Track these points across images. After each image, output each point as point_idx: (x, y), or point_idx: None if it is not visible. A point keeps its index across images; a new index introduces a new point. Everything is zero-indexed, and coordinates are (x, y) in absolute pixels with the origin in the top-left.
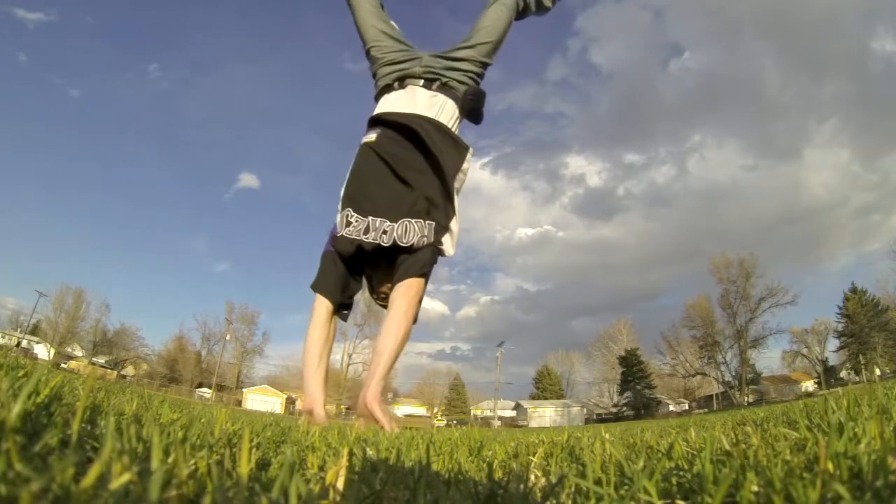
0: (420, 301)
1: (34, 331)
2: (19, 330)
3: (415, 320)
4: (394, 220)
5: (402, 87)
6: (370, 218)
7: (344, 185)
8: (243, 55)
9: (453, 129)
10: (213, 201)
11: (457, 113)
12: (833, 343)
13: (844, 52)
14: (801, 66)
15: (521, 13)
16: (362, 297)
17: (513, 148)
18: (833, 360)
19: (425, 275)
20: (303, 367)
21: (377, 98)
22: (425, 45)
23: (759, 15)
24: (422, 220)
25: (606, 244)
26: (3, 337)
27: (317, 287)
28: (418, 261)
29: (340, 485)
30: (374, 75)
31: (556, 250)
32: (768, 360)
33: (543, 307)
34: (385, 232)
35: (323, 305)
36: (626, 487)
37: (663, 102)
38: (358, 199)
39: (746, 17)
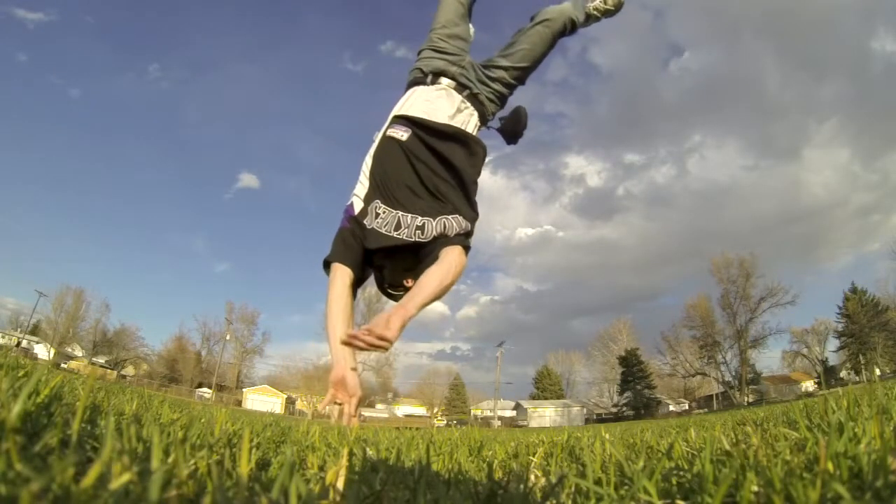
0: (462, 269)
1: (34, 331)
2: (19, 330)
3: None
4: (429, 216)
5: (434, 82)
6: (400, 213)
7: (369, 169)
8: (243, 55)
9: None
10: (213, 201)
11: (478, 128)
12: (833, 343)
13: (844, 52)
14: (801, 66)
15: (564, 34)
16: (362, 297)
17: (513, 148)
18: (833, 360)
19: (468, 248)
20: (328, 334)
21: (408, 87)
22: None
23: (759, 15)
24: (459, 217)
25: (606, 244)
26: (3, 337)
27: (335, 258)
28: (462, 236)
29: (340, 485)
30: (418, 57)
31: (556, 250)
32: (768, 360)
33: (543, 307)
34: (419, 228)
35: (345, 273)
36: (626, 487)
37: (663, 102)
38: (385, 191)
39: (746, 17)
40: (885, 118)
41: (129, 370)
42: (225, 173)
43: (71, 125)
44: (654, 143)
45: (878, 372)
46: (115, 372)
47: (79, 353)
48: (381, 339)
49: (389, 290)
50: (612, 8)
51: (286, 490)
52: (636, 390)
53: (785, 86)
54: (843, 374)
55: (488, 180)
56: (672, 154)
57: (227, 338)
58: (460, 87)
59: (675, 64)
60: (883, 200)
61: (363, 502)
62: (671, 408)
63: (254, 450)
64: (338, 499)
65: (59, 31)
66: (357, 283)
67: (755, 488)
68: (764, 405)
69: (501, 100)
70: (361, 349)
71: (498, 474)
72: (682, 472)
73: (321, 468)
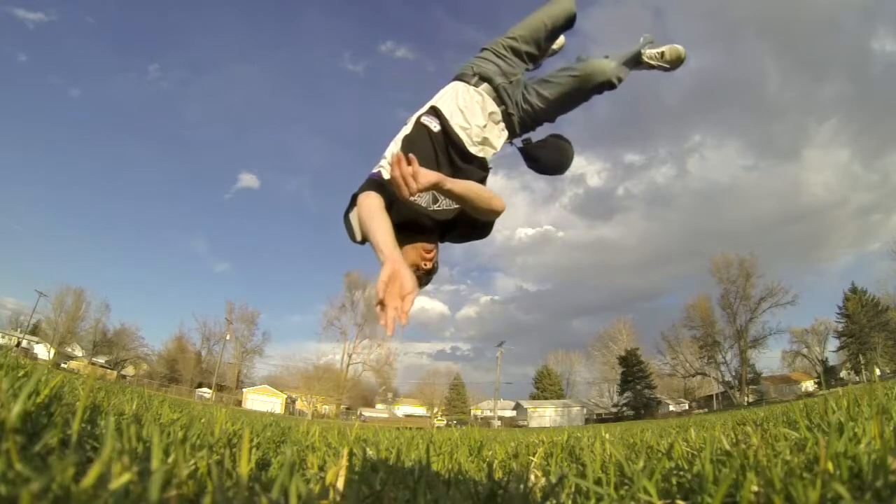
0: (500, 208)
1: (34, 331)
2: (19, 330)
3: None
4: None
5: (477, 85)
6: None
7: (398, 149)
8: (243, 55)
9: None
10: (213, 201)
11: (504, 144)
12: (833, 343)
13: (844, 52)
14: (801, 66)
15: (601, 92)
16: (363, 297)
17: (512, 148)
18: (833, 360)
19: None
20: (370, 232)
21: (454, 78)
22: (426, 46)
23: (758, 15)
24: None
25: (606, 244)
26: (3, 337)
27: (367, 188)
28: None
29: (340, 485)
30: (478, 54)
31: (556, 250)
32: (768, 360)
33: (543, 307)
34: (446, 202)
35: (379, 197)
36: (626, 487)
37: (663, 102)
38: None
39: (746, 17)
40: (885, 118)
41: (129, 370)
42: (225, 173)
43: (71, 125)
44: (654, 143)
45: (878, 372)
46: (115, 372)
47: (79, 353)
48: (415, 178)
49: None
50: (668, 65)
51: (286, 490)
52: (636, 390)
53: (785, 86)
54: (843, 374)
55: (488, 180)
56: (672, 154)
57: (227, 338)
58: (499, 101)
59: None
60: (883, 200)
61: (363, 502)
62: (671, 408)
63: (254, 450)
64: (338, 499)
65: (59, 31)
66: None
67: (755, 488)
68: (764, 405)
69: (530, 128)
70: (398, 180)
71: (498, 474)
72: (682, 472)
73: (321, 468)
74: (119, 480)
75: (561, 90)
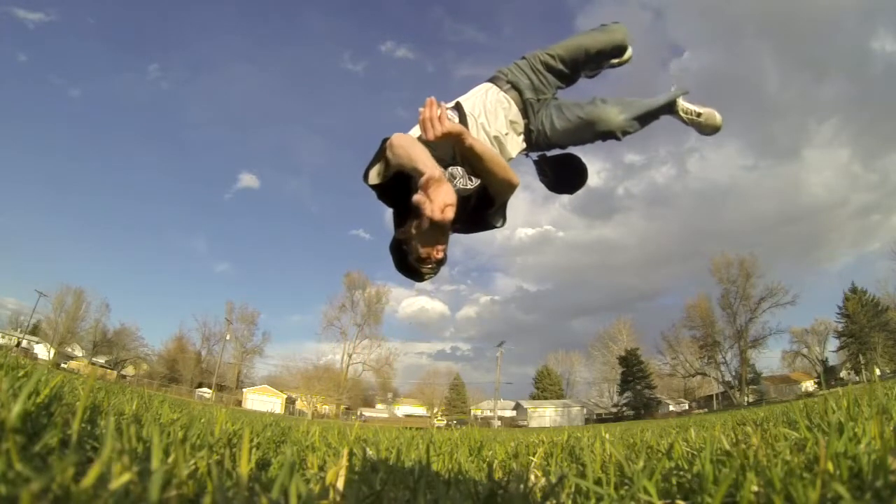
0: (513, 182)
1: (34, 331)
2: (19, 330)
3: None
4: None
5: (507, 92)
6: (451, 167)
7: (418, 131)
8: (243, 55)
9: None
10: (213, 201)
11: (520, 153)
12: (833, 343)
13: (844, 52)
14: (801, 66)
15: (606, 140)
16: (363, 297)
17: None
18: (833, 360)
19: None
20: (410, 153)
21: (489, 79)
22: (426, 46)
23: (759, 15)
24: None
25: (606, 244)
26: (3, 337)
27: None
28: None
29: (340, 485)
30: (520, 60)
31: (556, 250)
32: (768, 360)
33: (543, 307)
34: (472, 180)
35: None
36: (626, 487)
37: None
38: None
39: (746, 16)
40: (885, 118)
41: (129, 370)
42: (225, 173)
43: (71, 125)
44: (654, 143)
45: (878, 372)
46: (115, 372)
47: (79, 353)
48: (440, 121)
49: (416, 262)
50: (702, 130)
51: (286, 490)
52: (636, 390)
53: (785, 86)
54: (843, 374)
55: None
56: (672, 154)
57: (227, 338)
58: (523, 114)
59: (676, 64)
60: (883, 200)
61: (363, 502)
62: (671, 408)
63: (254, 450)
64: (338, 499)
65: (59, 31)
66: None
67: (755, 488)
68: (764, 405)
69: (544, 149)
70: (426, 121)
71: (498, 474)
72: (682, 472)
73: (321, 468)
74: (119, 480)
75: (568, 126)
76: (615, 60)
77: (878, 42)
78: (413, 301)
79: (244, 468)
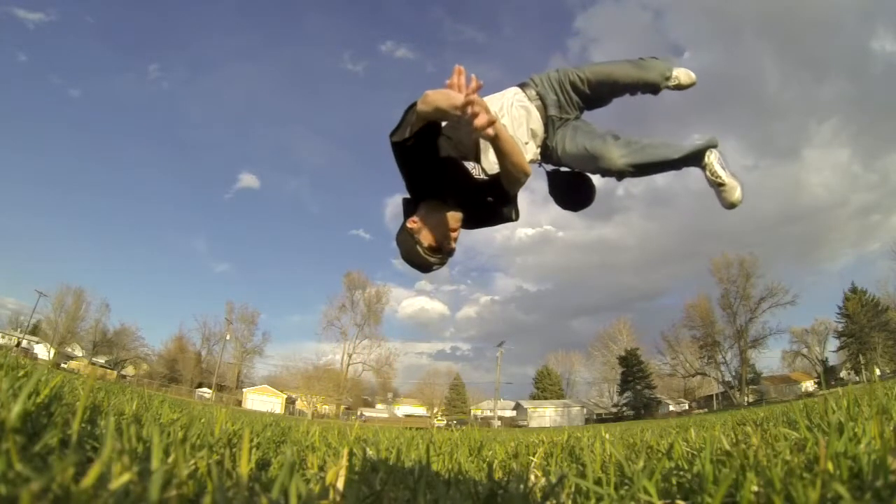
0: (525, 169)
1: (34, 331)
2: (19, 330)
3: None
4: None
5: (532, 101)
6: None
7: (443, 125)
8: (243, 55)
9: None
10: (213, 201)
11: (533, 161)
12: (833, 343)
13: (844, 52)
14: (801, 66)
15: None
16: (363, 298)
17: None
18: (833, 360)
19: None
20: (447, 94)
21: (519, 85)
22: (426, 46)
23: (759, 15)
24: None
25: (606, 244)
26: (3, 337)
27: None
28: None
29: (340, 485)
30: (552, 72)
31: (556, 250)
32: (768, 360)
33: (543, 307)
34: (485, 174)
35: None
36: (626, 487)
37: (663, 102)
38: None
39: (746, 16)
40: (885, 118)
41: (129, 370)
42: (225, 173)
43: (71, 125)
44: None
45: (878, 372)
46: (115, 372)
47: (79, 353)
48: (467, 89)
49: (427, 252)
50: (723, 203)
51: (286, 490)
52: (636, 390)
53: (785, 86)
54: (843, 374)
55: None
56: None
57: (227, 338)
58: (543, 128)
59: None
60: (883, 200)
61: (363, 502)
62: (671, 408)
63: (254, 450)
64: (338, 499)
65: (59, 31)
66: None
67: (755, 488)
68: (764, 405)
69: (556, 164)
70: (466, 107)
71: (498, 474)
72: (682, 472)
73: (321, 468)
74: (119, 480)
75: (575, 153)
76: (670, 85)
77: (878, 42)
78: (413, 301)
79: (244, 468)
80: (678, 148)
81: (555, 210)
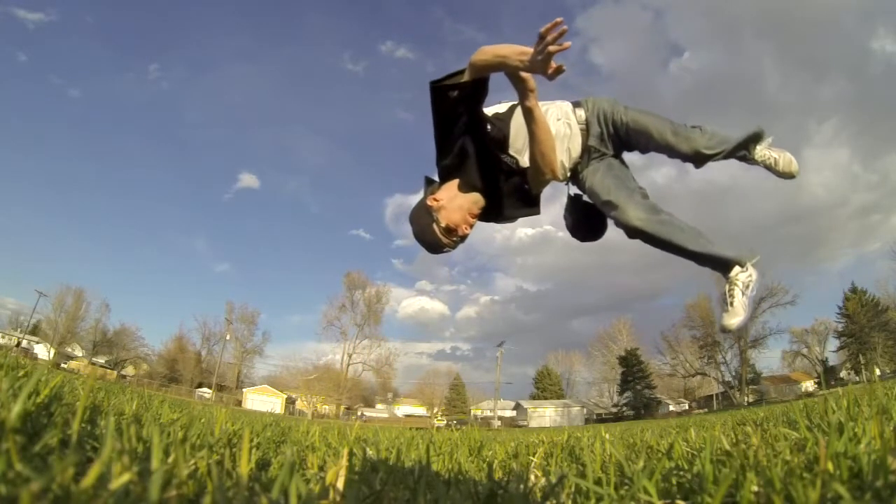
0: (553, 160)
1: (34, 331)
2: (19, 330)
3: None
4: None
5: (579, 123)
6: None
7: (487, 113)
8: (243, 55)
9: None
10: (213, 201)
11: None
12: (833, 343)
13: (844, 52)
14: (801, 66)
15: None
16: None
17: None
18: (833, 360)
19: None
20: (493, 46)
21: (573, 102)
22: (426, 46)
23: (759, 15)
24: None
25: (606, 244)
26: (3, 337)
27: None
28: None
29: (340, 485)
30: (603, 100)
31: (556, 250)
32: (768, 360)
33: (543, 307)
34: (517, 161)
35: None
36: (626, 487)
37: (663, 102)
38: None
39: (746, 16)
40: (885, 118)
41: (129, 370)
42: (225, 173)
43: (71, 125)
44: None
45: (878, 372)
46: (115, 372)
47: (79, 353)
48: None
49: (442, 233)
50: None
51: (286, 490)
52: (636, 390)
53: (785, 86)
54: (843, 374)
55: None
56: None
57: (227, 338)
58: (580, 153)
59: (675, 64)
60: (883, 200)
61: (363, 502)
62: (671, 408)
63: (254, 450)
64: (338, 499)
65: (59, 31)
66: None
67: (755, 488)
68: (764, 405)
69: (580, 190)
70: (550, 32)
71: (498, 474)
72: (682, 472)
73: (321, 468)
74: (119, 480)
75: (600, 191)
76: (757, 160)
77: (878, 42)
78: (413, 301)
79: (244, 468)
80: (703, 243)
81: (555, 210)
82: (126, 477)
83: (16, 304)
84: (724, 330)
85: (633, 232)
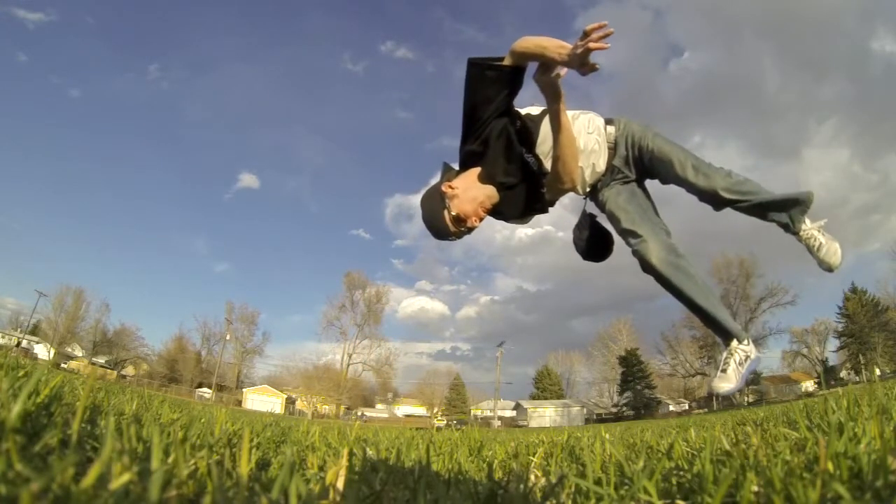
0: (575, 159)
1: (34, 331)
2: (19, 330)
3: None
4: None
5: (608, 141)
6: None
7: (522, 111)
8: (243, 55)
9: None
10: (213, 201)
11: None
12: (833, 343)
13: (844, 52)
14: (801, 66)
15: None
16: (362, 298)
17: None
18: (833, 360)
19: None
20: (535, 37)
21: (606, 120)
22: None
23: (759, 15)
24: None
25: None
26: (3, 337)
27: None
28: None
29: (340, 485)
30: (633, 123)
31: (556, 250)
32: (768, 360)
33: (543, 307)
34: (541, 165)
35: None
36: (626, 487)
37: (663, 102)
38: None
39: (746, 17)
40: (885, 118)
41: (129, 370)
42: (225, 173)
43: (71, 125)
44: None
45: (878, 372)
46: (115, 372)
47: (79, 353)
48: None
49: (452, 221)
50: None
51: (286, 490)
52: (636, 390)
53: (785, 86)
54: (843, 374)
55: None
56: None
57: (227, 338)
58: (602, 170)
59: (675, 64)
60: (883, 200)
61: (363, 502)
62: (671, 408)
63: (254, 450)
64: (338, 499)
65: (59, 31)
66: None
67: (755, 488)
68: (764, 405)
69: (598, 207)
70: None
71: (498, 474)
72: (682, 472)
73: (321, 468)
74: (119, 480)
75: (621, 218)
76: (785, 225)
77: (878, 42)
78: (413, 301)
79: (244, 468)
80: (712, 303)
81: (555, 211)
82: (126, 477)
83: (16, 304)
84: (714, 391)
85: (648, 268)
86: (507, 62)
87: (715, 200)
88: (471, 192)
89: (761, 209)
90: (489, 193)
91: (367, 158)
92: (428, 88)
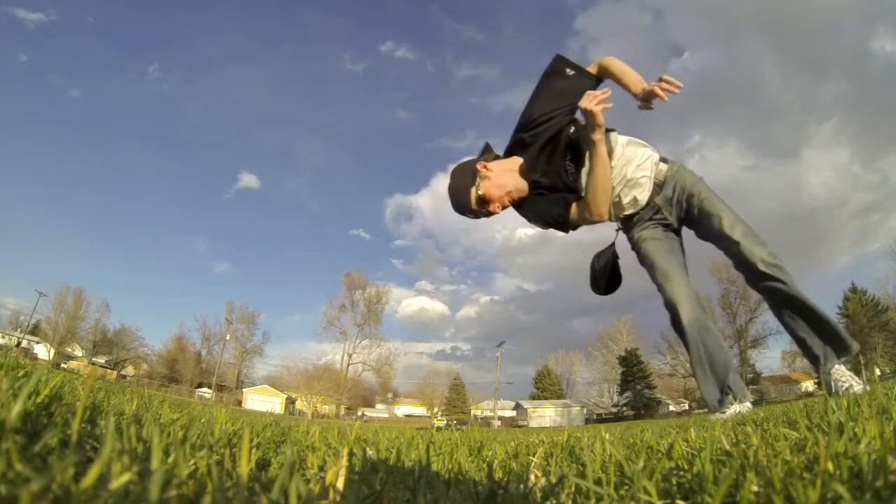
0: (608, 186)
1: (34, 331)
2: (19, 330)
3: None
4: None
5: (655, 179)
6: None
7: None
8: (243, 55)
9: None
10: (213, 201)
11: (614, 217)
12: None
13: (844, 52)
14: (801, 66)
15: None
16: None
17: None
18: None
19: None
20: (623, 65)
21: (659, 158)
22: (426, 46)
23: (759, 15)
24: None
25: (607, 244)
26: (3, 337)
27: None
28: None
29: (340, 485)
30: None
31: (556, 250)
32: (768, 360)
33: (543, 307)
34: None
35: None
36: (626, 487)
37: (663, 102)
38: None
39: (746, 17)
40: (885, 118)
41: (129, 370)
42: (225, 173)
43: (71, 125)
44: (653, 143)
45: (878, 372)
46: (115, 372)
47: (79, 353)
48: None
49: (476, 201)
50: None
51: (286, 490)
52: (636, 390)
53: (785, 86)
54: None
55: None
56: (672, 154)
57: (227, 338)
58: (643, 207)
59: (675, 64)
60: (883, 200)
61: (363, 502)
62: (671, 408)
63: (254, 450)
64: (338, 499)
65: (59, 31)
66: None
67: (755, 488)
68: (764, 405)
69: (628, 239)
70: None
71: (498, 474)
72: (682, 472)
73: (321, 468)
74: (119, 480)
75: (653, 273)
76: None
77: (878, 42)
78: (413, 301)
79: (244, 468)
80: (719, 373)
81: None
82: (126, 477)
83: (16, 304)
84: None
85: (677, 322)
86: (591, 69)
87: (750, 270)
88: (503, 178)
89: (798, 314)
90: (520, 186)
91: (367, 158)
92: (428, 88)
